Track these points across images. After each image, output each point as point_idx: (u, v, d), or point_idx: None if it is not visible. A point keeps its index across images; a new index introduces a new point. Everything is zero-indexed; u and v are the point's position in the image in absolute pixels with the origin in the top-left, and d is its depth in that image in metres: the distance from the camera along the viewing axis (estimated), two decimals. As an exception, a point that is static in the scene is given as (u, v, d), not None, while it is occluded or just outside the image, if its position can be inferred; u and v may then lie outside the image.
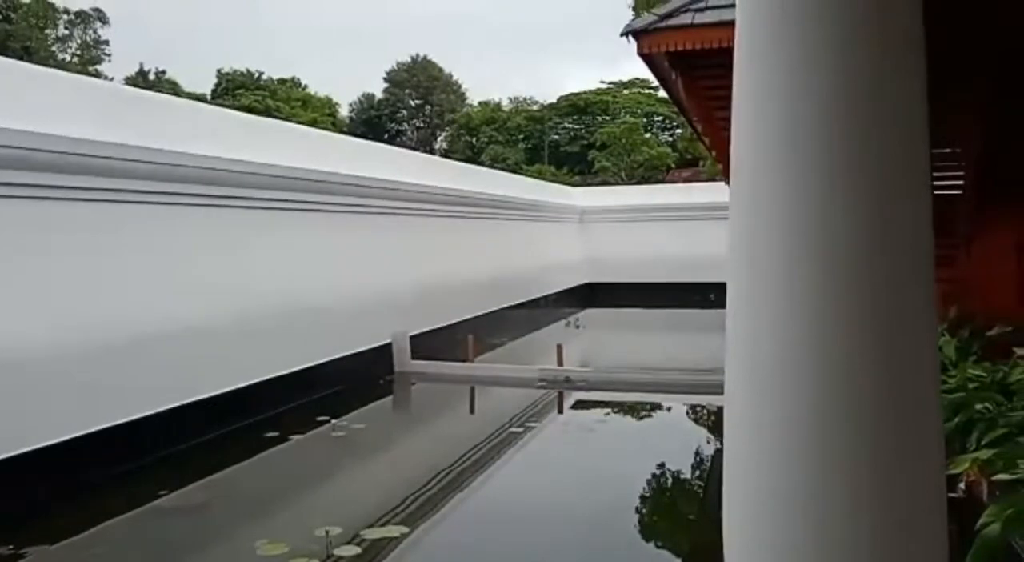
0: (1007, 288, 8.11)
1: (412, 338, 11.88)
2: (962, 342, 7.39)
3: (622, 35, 9.75)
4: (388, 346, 11.57)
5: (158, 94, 10.81)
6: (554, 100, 50.15)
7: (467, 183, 16.05)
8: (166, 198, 8.26)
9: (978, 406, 5.85)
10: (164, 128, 8.24)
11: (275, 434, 8.49)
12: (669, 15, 9.50)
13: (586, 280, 22.11)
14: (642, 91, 45.72)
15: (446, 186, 14.59)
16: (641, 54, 9.80)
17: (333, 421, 8.91)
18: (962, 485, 4.83)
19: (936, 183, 9.13)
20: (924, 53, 1.80)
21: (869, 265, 1.74)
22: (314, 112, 46.32)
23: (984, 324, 7.63)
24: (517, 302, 16.93)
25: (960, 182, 8.80)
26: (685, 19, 9.17)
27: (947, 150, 8.99)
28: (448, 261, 14.26)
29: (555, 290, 19.80)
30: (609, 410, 10.58)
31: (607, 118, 45.73)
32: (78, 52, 47.03)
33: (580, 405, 10.67)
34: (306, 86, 51.90)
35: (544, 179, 32.46)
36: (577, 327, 17.56)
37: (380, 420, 9.94)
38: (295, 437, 8.56)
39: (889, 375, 1.76)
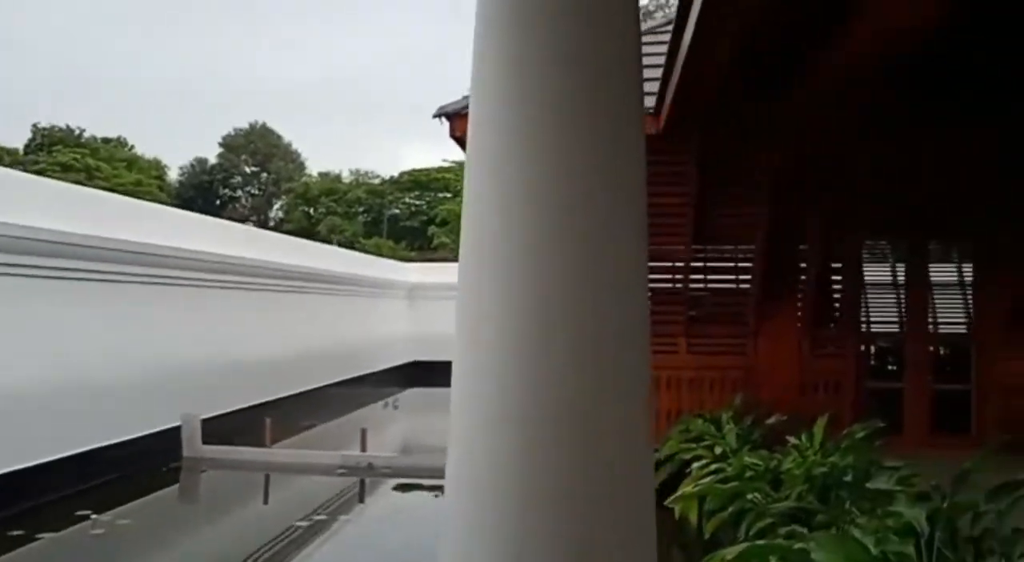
0: (788, 376, 8.53)
1: (210, 420, 10.98)
2: (743, 430, 7.61)
3: (434, 117, 9.79)
4: (177, 429, 10.61)
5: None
6: (396, 174, 50.30)
7: (281, 255, 15.40)
8: None
9: (750, 496, 5.94)
10: None
11: (21, 533, 7.43)
12: (481, 100, 9.68)
13: (413, 358, 21.70)
14: (482, 172, 46.75)
15: (252, 257, 13.85)
16: (453, 136, 9.86)
17: (94, 516, 7.93)
18: (724, 583, 4.81)
19: (731, 277, 9.64)
20: (643, 125, 1.88)
21: (587, 347, 1.72)
22: (140, 173, 43.85)
23: (766, 412, 7.92)
24: (335, 381, 16.25)
25: (749, 276, 9.30)
26: (495, 105, 9.36)
27: (740, 247, 9.53)
28: (254, 337, 13.47)
29: (378, 368, 19.23)
30: (417, 497, 10.13)
31: (448, 195, 46.28)
32: None
33: (383, 493, 10.16)
34: (133, 146, 49.19)
35: (382, 253, 32.15)
36: (395, 408, 16.99)
37: (152, 514, 8.96)
38: (45, 535, 7.54)
39: (599, 461, 1.74)
